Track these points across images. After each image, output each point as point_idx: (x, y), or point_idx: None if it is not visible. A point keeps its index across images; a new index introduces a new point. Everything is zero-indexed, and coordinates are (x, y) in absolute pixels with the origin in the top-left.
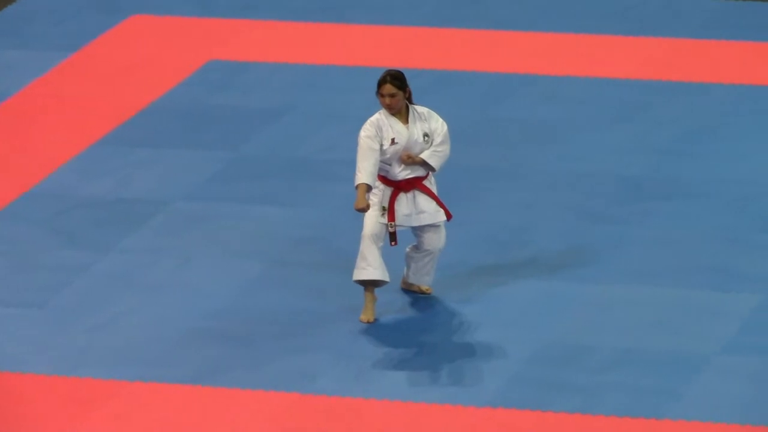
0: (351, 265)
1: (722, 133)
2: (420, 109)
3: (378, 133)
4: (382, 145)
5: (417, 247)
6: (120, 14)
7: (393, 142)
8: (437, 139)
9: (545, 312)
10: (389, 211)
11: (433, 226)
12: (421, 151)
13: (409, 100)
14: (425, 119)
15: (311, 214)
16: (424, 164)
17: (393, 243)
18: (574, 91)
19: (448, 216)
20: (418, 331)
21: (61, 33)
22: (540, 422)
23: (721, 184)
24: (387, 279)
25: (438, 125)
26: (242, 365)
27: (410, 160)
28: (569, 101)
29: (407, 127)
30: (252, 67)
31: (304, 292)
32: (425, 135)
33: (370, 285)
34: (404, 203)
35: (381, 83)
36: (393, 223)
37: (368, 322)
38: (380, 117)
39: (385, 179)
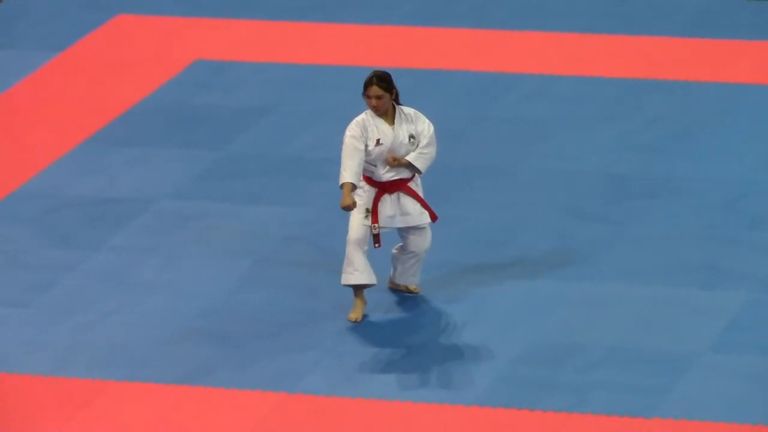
0: (340, 263)
1: (710, 132)
2: (407, 110)
3: (363, 133)
4: (367, 146)
5: (403, 248)
6: (106, 13)
7: (378, 143)
8: (423, 141)
9: (533, 311)
10: (372, 213)
11: (418, 228)
12: (407, 153)
13: (396, 100)
14: (412, 120)
15: (299, 213)
16: (409, 166)
17: (376, 245)
18: (562, 89)
19: (434, 218)
20: (406, 330)
21: (47, 32)
22: (528, 421)
23: (708, 182)
24: (374, 282)
25: (424, 127)
26: (230, 365)
27: (395, 162)
28: (557, 100)
29: (393, 129)
30: (239, 66)
31: (293, 291)
32: (411, 136)
33: (358, 288)
34: (388, 205)
35: (367, 85)
36: (376, 225)
37: (356, 321)
38: (366, 117)
39: (370, 180)
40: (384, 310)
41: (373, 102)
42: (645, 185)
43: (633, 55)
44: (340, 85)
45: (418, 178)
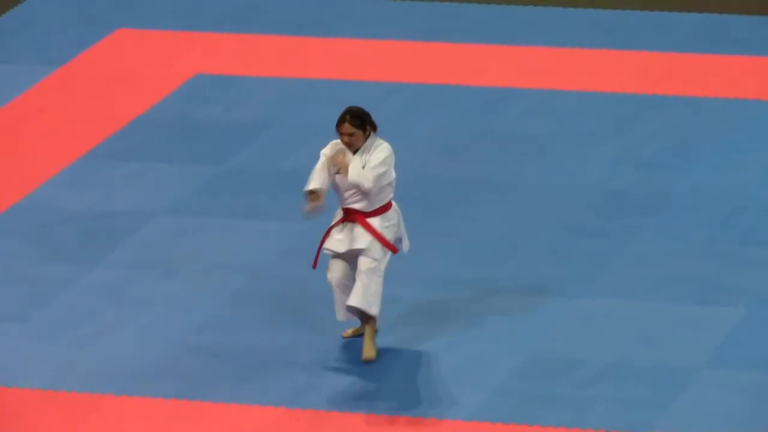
0: None
1: (709, 147)
2: (377, 142)
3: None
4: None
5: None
6: (107, 28)
7: (338, 171)
8: (369, 165)
9: (532, 325)
10: (323, 236)
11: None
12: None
13: (374, 130)
14: (369, 152)
15: (296, 228)
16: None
17: (314, 266)
18: (562, 105)
19: (393, 250)
20: (404, 345)
21: (47, 47)
22: None
23: (707, 198)
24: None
25: (372, 157)
26: (228, 379)
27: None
28: (557, 115)
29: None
30: (238, 81)
31: (290, 306)
32: (364, 167)
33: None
34: (341, 229)
35: (340, 121)
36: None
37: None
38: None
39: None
40: (382, 325)
41: (345, 139)
42: (644, 200)
43: (632, 71)
44: (339, 100)
45: (394, 216)
